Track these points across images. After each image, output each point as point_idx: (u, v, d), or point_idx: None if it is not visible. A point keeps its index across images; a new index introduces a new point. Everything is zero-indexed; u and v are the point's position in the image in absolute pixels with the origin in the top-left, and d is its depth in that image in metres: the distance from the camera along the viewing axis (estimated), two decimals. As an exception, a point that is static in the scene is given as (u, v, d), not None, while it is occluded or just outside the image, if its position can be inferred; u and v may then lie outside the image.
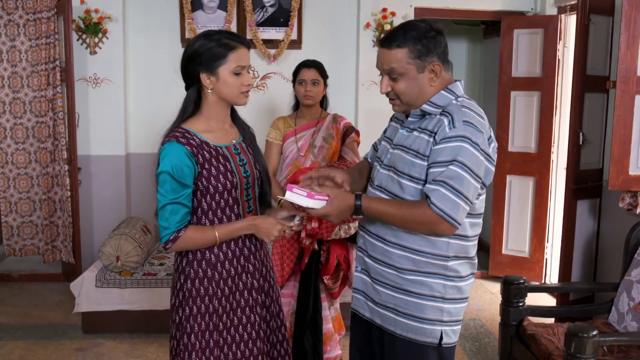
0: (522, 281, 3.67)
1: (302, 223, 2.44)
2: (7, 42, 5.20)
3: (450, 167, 2.05)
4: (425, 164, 2.13)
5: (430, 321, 2.21)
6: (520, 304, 3.67)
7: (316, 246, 3.67)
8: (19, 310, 4.70)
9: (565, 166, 4.52)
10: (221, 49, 2.24)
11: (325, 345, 3.88)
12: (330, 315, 3.90)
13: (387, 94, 2.27)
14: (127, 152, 5.47)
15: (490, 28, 6.47)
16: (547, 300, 5.16)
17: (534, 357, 3.43)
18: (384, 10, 5.37)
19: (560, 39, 5.31)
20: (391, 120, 2.46)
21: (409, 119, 2.27)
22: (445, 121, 2.11)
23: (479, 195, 2.18)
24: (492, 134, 2.20)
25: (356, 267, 2.42)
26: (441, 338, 2.23)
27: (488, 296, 5.40)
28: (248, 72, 2.35)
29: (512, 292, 3.66)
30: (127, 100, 5.47)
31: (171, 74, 5.33)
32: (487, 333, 4.60)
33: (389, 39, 2.20)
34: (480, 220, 2.26)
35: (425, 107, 2.20)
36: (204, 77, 2.26)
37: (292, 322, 3.82)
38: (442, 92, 2.19)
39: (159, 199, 2.23)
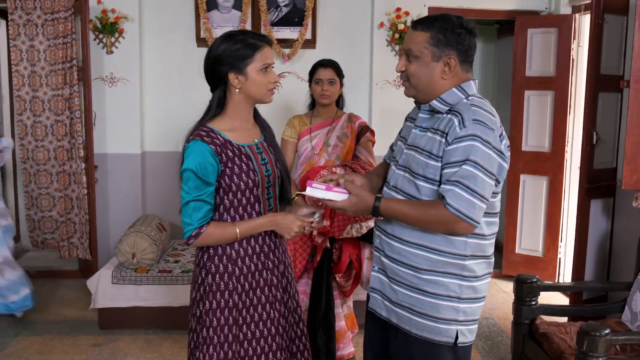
0: (534, 280, 3.69)
1: (322, 220, 2.48)
2: (26, 42, 5.26)
3: (464, 166, 2.07)
4: (439, 164, 2.14)
5: (445, 321, 2.22)
6: (533, 303, 3.69)
7: (328, 244, 3.71)
8: (36, 306, 4.76)
9: (579, 165, 4.52)
10: (248, 49, 2.30)
11: (338, 343, 3.91)
12: (343, 313, 3.94)
13: (400, 75, 2.30)
14: (142, 151, 5.52)
15: (504, 27, 6.46)
16: (560, 299, 5.15)
17: (546, 355, 3.45)
18: (398, 10, 5.39)
19: (574, 39, 5.31)
20: (406, 120, 2.49)
21: (420, 115, 2.29)
22: (456, 121, 2.12)
23: (495, 193, 2.19)
24: (504, 131, 2.21)
25: (373, 267, 2.44)
26: (457, 337, 2.23)
27: (501, 295, 5.41)
28: (272, 69, 2.39)
29: (525, 291, 3.68)
30: (143, 99, 5.53)
31: (186, 73, 5.47)
32: (500, 332, 4.61)
33: (419, 21, 2.25)
34: (496, 219, 2.27)
35: (435, 103, 2.22)
36: (233, 77, 2.31)
37: (305, 319, 3.86)
38: (454, 89, 2.21)
39: (183, 196, 2.29)
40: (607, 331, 2.96)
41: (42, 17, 5.26)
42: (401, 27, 5.34)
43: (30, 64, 5.31)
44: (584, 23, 5.26)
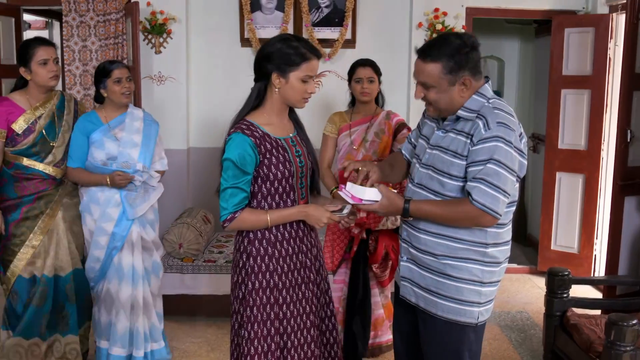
0: (566, 273, 3.79)
1: (353, 217, 2.66)
2: (79, 42, 5.52)
3: (488, 165, 2.25)
4: (464, 163, 2.32)
5: (469, 303, 2.41)
6: (565, 295, 3.80)
7: (365, 235, 3.88)
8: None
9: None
10: (297, 57, 2.48)
11: (376, 330, 4.08)
12: (381, 302, 4.09)
13: (422, 99, 2.46)
14: (188, 146, 5.75)
15: (542, 27, 6.52)
16: (595, 295, 5.22)
17: (576, 346, 3.55)
18: (436, 10, 5.51)
19: (611, 38, 5.36)
20: (424, 116, 2.64)
21: (445, 122, 2.46)
22: (481, 124, 2.29)
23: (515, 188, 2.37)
24: (522, 131, 2.38)
25: (401, 257, 2.62)
26: (477, 318, 2.43)
27: (536, 290, 5.50)
28: (313, 81, 2.57)
29: (557, 284, 3.79)
30: (189, 97, 5.75)
31: (230, 72, 5.67)
32: (533, 325, 4.71)
33: (424, 51, 2.39)
34: (513, 208, 2.45)
35: (461, 112, 2.38)
36: (275, 77, 2.50)
37: (344, 307, 4.03)
38: (474, 96, 2.38)
39: (222, 183, 2.49)
40: (634, 322, 3.06)
41: (95, 19, 5.51)
42: (439, 27, 5.46)
43: (82, 63, 5.56)
44: (620, 22, 5.31)
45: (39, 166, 3.53)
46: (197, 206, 5.53)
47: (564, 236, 5.78)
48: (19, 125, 3.44)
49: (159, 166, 3.89)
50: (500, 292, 5.46)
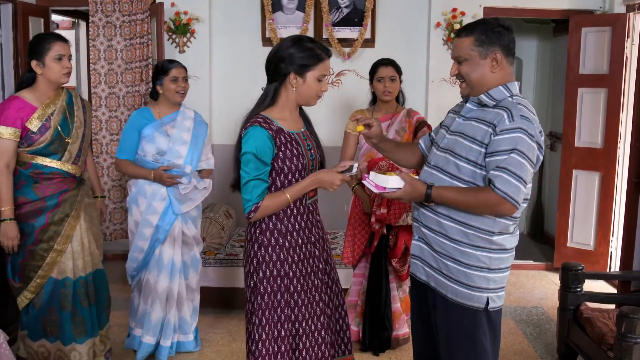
0: (580, 268, 3.88)
1: (359, 172, 2.77)
2: (104, 42, 5.68)
3: (512, 155, 2.35)
4: (482, 150, 2.43)
5: (478, 288, 2.51)
6: (578, 290, 3.88)
7: (385, 231, 3.98)
8: (114, 287, 5.13)
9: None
10: (313, 59, 2.62)
11: (393, 324, 4.19)
12: (399, 296, 4.20)
13: (457, 76, 2.60)
14: (211, 144, 5.86)
15: (560, 26, 6.58)
16: (610, 291, 5.29)
17: (589, 339, 3.63)
18: (454, 10, 5.61)
19: (628, 37, 5.42)
20: (449, 112, 2.76)
21: (467, 106, 2.58)
22: (505, 115, 2.40)
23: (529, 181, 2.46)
24: (541, 128, 2.49)
25: (413, 236, 2.73)
26: (487, 303, 2.52)
27: (552, 287, 5.57)
28: (326, 80, 2.71)
29: (571, 278, 3.87)
30: (212, 95, 5.90)
31: (252, 71, 5.80)
32: (548, 320, 4.79)
33: (461, 29, 2.56)
34: (525, 204, 2.54)
35: (483, 97, 2.50)
36: (293, 77, 2.63)
37: (364, 300, 4.15)
38: (500, 87, 2.49)
39: (243, 176, 2.61)
40: (645, 314, 3.15)
41: (120, 19, 5.66)
42: (457, 26, 5.55)
43: (108, 62, 5.72)
44: (637, 22, 5.37)
45: (58, 164, 3.47)
46: (219, 202, 5.67)
47: (580, 233, 5.85)
48: (34, 124, 3.37)
49: (205, 165, 4.08)
50: (517, 288, 5.55)
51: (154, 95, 3.97)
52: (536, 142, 2.40)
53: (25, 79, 3.48)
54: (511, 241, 2.56)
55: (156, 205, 3.87)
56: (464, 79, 2.56)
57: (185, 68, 3.97)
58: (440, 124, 2.78)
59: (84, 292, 3.62)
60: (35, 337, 3.58)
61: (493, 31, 2.47)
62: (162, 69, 3.87)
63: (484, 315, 2.54)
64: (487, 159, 2.42)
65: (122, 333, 4.38)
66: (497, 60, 2.48)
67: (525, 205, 2.55)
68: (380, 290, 4.07)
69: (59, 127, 3.45)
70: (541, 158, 2.46)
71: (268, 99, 2.70)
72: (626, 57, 5.45)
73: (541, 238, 7.06)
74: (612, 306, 4.32)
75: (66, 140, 3.48)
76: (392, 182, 2.53)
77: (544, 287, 5.60)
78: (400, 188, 2.52)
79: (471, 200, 2.44)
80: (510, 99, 2.47)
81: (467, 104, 2.59)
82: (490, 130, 2.42)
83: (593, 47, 5.61)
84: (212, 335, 4.46)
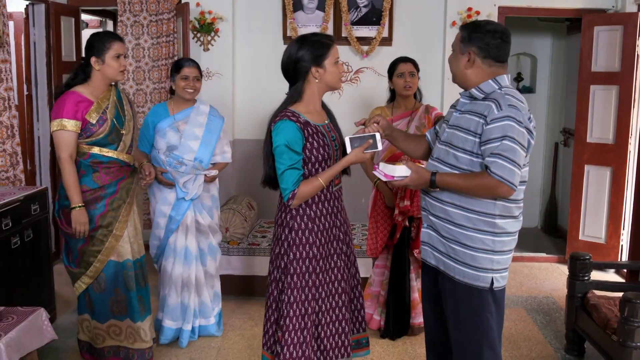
0: (587, 257, 4.06)
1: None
2: (132, 41, 5.92)
3: (503, 141, 2.55)
4: (476, 139, 2.64)
5: (483, 269, 2.71)
6: (586, 278, 4.06)
7: (407, 223, 4.18)
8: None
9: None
10: (324, 47, 2.87)
11: (411, 312, 4.38)
12: (417, 286, 4.37)
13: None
14: (233, 138, 6.11)
15: (574, 24, 6.70)
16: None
17: (595, 324, 3.81)
18: (469, 9, 5.78)
19: (639, 36, 5.55)
20: (450, 108, 2.97)
21: (461, 100, 2.82)
22: (493, 105, 2.61)
23: (523, 165, 2.66)
24: (531, 115, 2.70)
25: (423, 225, 2.94)
26: (492, 283, 2.72)
27: (563, 278, 5.73)
28: (340, 62, 2.97)
29: (578, 267, 4.05)
30: (234, 91, 6.13)
31: (273, 68, 5.97)
32: (558, 309, 4.97)
33: (462, 26, 2.84)
34: (523, 187, 2.74)
35: (473, 91, 2.73)
36: (314, 70, 2.86)
37: (386, 290, 4.35)
38: (490, 81, 2.70)
39: (279, 167, 2.84)
40: (647, 299, 3.33)
41: (148, 19, 5.90)
42: (472, 25, 5.71)
43: (135, 60, 5.95)
44: (648, 21, 5.51)
45: (115, 154, 3.66)
46: (242, 194, 5.89)
47: (591, 226, 6.00)
48: (93, 116, 3.54)
49: (220, 159, 4.26)
50: (529, 279, 5.73)
51: (172, 92, 4.20)
52: (525, 127, 2.59)
53: (79, 75, 3.64)
54: (514, 225, 2.75)
55: (168, 196, 4.12)
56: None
57: (199, 68, 4.16)
58: (443, 119, 2.99)
59: (141, 273, 3.86)
60: (103, 319, 3.81)
61: (477, 32, 2.71)
62: (176, 66, 4.10)
63: (489, 294, 2.73)
64: (482, 147, 2.62)
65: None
66: (470, 59, 2.72)
67: (523, 187, 2.73)
68: (404, 280, 4.27)
69: (114, 120, 3.65)
70: (532, 142, 2.66)
71: (295, 96, 2.92)
72: (637, 55, 5.58)
73: (555, 232, 7.21)
74: (620, 295, 4.47)
75: (121, 131, 3.68)
76: (399, 171, 2.76)
77: (555, 278, 5.76)
78: (407, 176, 2.74)
79: (471, 184, 2.64)
80: (499, 90, 2.68)
81: (461, 99, 2.82)
82: (481, 121, 2.63)
83: (605, 45, 5.76)
84: (234, 320, 4.68)
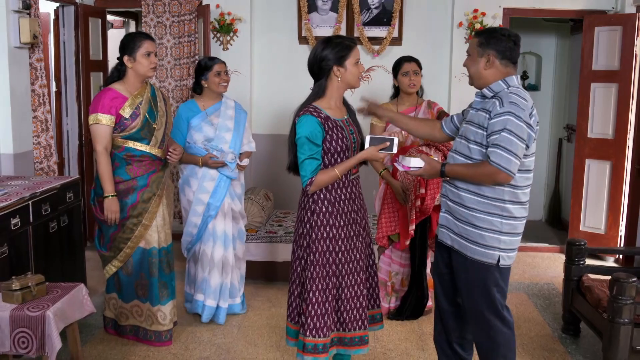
0: (582, 243, 4.35)
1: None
2: (155, 40, 6.23)
3: (502, 133, 2.89)
4: (484, 132, 2.98)
5: (491, 247, 3.05)
6: (581, 262, 4.35)
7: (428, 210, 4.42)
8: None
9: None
10: (346, 49, 3.19)
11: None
12: (430, 276, 4.65)
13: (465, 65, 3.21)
14: (251, 133, 6.41)
15: (577, 24, 6.90)
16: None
17: (588, 304, 4.10)
18: (475, 10, 6.09)
19: (637, 36, 5.81)
20: (468, 106, 3.29)
21: (475, 99, 3.15)
22: (497, 103, 2.95)
23: (526, 155, 2.98)
24: (535, 111, 3.00)
25: (441, 210, 3.28)
26: (499, 260, 3.06)
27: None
28: (360, 63, 3.28)
29: (574, 252, 4.35)
30: (252, 89, 6.46)
31: (289, 66, 6.35)
32: (557, 294, 5.26)
33: (476, 32, 3.17)
34: (530, 175, 3.07)
35: (485, 90, 3.07)
36: (336, 69, 3.18)
37: (400, 280, 4.67)
38: (500, 81, 3.03)
39: (299, 157, 3.18)
40: (634, 279, 3.62)
41: (170, 20, 6.22)
42: (478, 26, 6.02)
43: (158, 59, 6.23)
44: (646, 22, 5.77)
45: (147, 148, 3.93)
46: (259, 185, 6.21)
47: (592, 218, 6.28)
48: (126, 111, 3.84)
49: (247, 148, 4.64)
50: (532, 267, 6.02)
51: (197, 90, 4.52)
52: (525, 122, 2.90)
53: (115, 74, 3.97)
54: (521, 211, 3.07)
55: (206, 185, 4.45)
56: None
57: (225, 63, 4.53)
58: (462, 113, 3.33)
59: (166, 260, 4.18)
60: (128, 299, 4.17)
61: (493, 37, 3.03)
62: (206, 65, 4.43)
63: (496, 269, 3.08)
64: (487, 140, 2.96)
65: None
66: (489, 61, 3.03)
67: (530, 175, 3.05)
68: (424, 266, 4.59)
69: (147, 115, 3.93)
70: (533, 135, 2.96)
71: (319, 92, 3.25)
72: (636, 54, 5.85)
73: (559, 224, 7.48)
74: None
75: (153, 126, 3.96)
76: (414, 162, 3.13)
77: (556, 267, 6.05)
78: (421, 167, 3.11)
79: (474, 172, 2.99)
80: (506, 90, 3.00)
81: (475, 98, 3.15)
82: (488, 116, 2.97)
83: (605, 45, 6.03)
84: (254, 302, 5.00)
